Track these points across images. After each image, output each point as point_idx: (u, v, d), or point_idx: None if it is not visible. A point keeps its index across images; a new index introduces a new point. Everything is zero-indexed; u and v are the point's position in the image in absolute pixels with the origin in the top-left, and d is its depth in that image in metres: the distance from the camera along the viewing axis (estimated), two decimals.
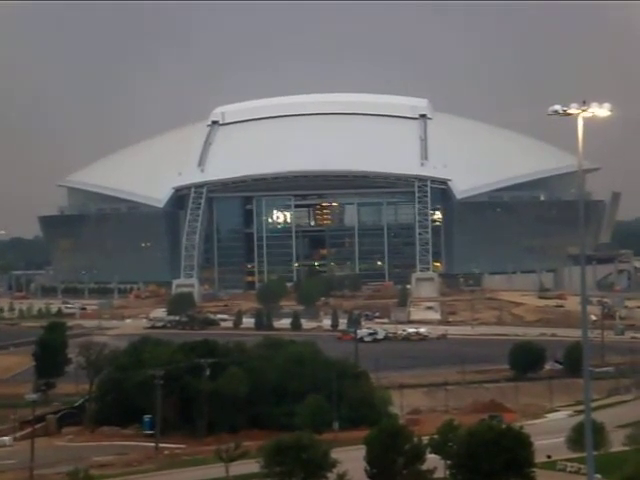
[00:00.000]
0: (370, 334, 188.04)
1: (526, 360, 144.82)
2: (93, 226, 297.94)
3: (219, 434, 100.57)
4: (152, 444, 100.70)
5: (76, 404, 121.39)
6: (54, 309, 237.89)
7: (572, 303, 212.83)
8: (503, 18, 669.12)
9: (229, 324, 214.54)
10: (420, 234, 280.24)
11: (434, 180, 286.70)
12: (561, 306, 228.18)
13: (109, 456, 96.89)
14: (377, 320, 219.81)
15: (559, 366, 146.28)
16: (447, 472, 73.52)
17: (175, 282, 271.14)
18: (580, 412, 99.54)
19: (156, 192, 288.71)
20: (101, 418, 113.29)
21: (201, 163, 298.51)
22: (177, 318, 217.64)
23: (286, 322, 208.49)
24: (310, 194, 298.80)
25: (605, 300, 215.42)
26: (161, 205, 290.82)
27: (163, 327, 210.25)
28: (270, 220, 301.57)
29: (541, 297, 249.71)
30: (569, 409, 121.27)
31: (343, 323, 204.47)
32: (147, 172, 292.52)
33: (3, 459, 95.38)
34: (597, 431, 74.48)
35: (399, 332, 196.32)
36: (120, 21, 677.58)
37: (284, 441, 73.95)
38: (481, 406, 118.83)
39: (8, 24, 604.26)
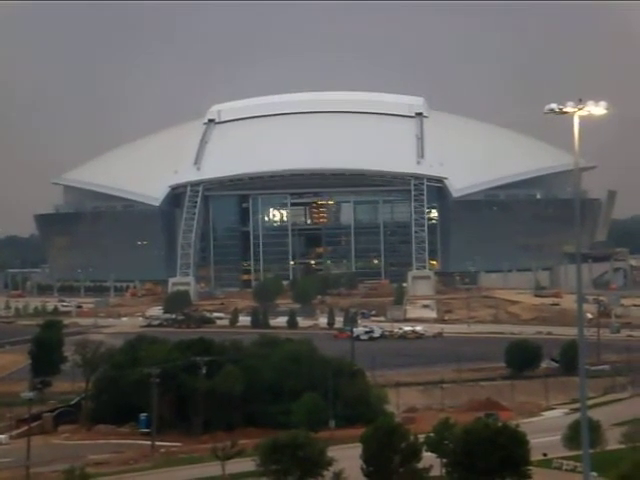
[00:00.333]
0: (366, 332, 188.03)
1: (522, 358, 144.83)
2: (89, 224, 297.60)
3: (215, 432, 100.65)
4: (148, 442, 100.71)
5: (72, 402, 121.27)
6: (50, 307, 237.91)
7: (568, 301, 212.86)
8: (499, 17, 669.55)
9: (225, 322, 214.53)
10: (416, 232, 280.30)
11: (430, 178, 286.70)
12: (557, 304, 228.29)
13: (105, 454, 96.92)
14: (373, 318, 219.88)
15: (555, 364, 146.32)
16: (443, 470, 73.65)
17: (171, 280, 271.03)
18: (576, 410, 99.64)
19: (152, 190, 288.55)
20: (97, 416, 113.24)
21: (197, 161, 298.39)
22: (173, 316, 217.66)
23: (282, 320, 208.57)
24: (306, 192, 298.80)
25: (601, 298, 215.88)
26: (157, 203, 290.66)
27: (159, 325, 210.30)
28: (266, 218, 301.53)
29: (537, 295, 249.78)
30: (565, 407, 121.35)
31: (339, 321, 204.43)
32: (143, 170, 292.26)
33: None
34: (593, 429, 74.55)
35: (395, 330, 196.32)
36: (116, 20, 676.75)
37: (280, 439, 74.00)
38: (477, 404, 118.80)
39: (8, 24, 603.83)
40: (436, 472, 74.11)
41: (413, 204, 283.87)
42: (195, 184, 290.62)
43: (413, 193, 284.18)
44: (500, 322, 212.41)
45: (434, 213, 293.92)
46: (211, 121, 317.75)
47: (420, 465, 72.77)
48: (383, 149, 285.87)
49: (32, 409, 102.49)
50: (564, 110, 56.19)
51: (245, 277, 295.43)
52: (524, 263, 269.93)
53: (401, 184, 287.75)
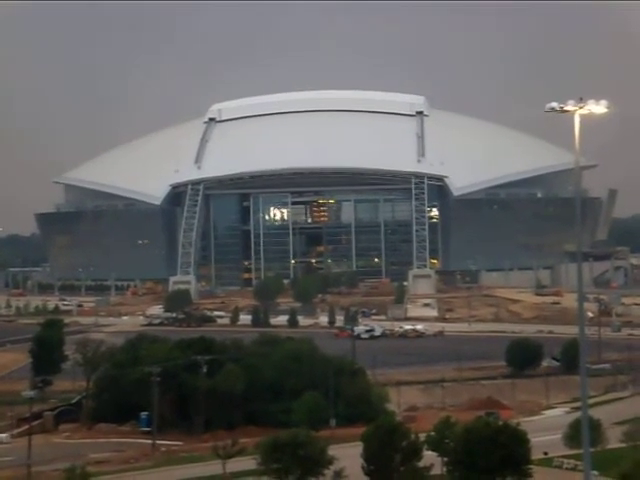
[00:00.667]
0: (367, 331, 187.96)
1: (523, 357, 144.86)
2: (90, 223, 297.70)
3: (216, 431, 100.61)
4: (149, 441, 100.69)
5: (73, 401, 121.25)
6: (51, 306, 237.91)
7: (569, 300, 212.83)
8: (499, 15, 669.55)
9: (226, 321, 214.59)
10: (417, 231, 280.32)
11: (431, 177, 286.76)
12: (558, 303, 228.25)
13: (106, 453, 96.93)
14: (374, 317, 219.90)
15: (556, 363, 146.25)
16: (444, 469, 73.64)
17: (172, 279, 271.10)
18: (577, 409, 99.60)
19: (153, 189, 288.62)
20: (98, 415, 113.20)
21: (198, 160, 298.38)
22: (174, 315, 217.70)
23: (283, 319, 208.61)
24: (307, 191, 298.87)
25: (602, 297, 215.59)
26: (158, 202, 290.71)
27: (160, 324, 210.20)
28: (267, 217, 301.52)
29: (538, 294, 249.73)
30: (566, 406, 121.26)
31: (340, 320, 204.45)
32: (144, 169, 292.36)
33: (0, 456, 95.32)
34: (594, 428, 74.51)
35: (396, 329, 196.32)
36: (116, 20, 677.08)
37: (281, 438, 74.00)
38: (478, 403, 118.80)
39: (8, 24, 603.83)
40: (437, 471, 74.10)
41: (414, 203, 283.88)
42: (196, 183, 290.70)
43: (414, 192, 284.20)
44: (501, 321, 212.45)
45: (435, 212, 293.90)
46: (212, 120, 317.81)
47: (421, 464, 72.76)
48: (384, 148, 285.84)
49: (33, 408, 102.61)
50: (565, 109, 56.17)
51: (246, 276, 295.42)
52: (525, 262, 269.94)
53: (402, 183, 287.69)
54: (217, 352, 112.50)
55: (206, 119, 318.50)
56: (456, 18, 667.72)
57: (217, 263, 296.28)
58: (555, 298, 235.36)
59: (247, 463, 77.27)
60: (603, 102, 56.20)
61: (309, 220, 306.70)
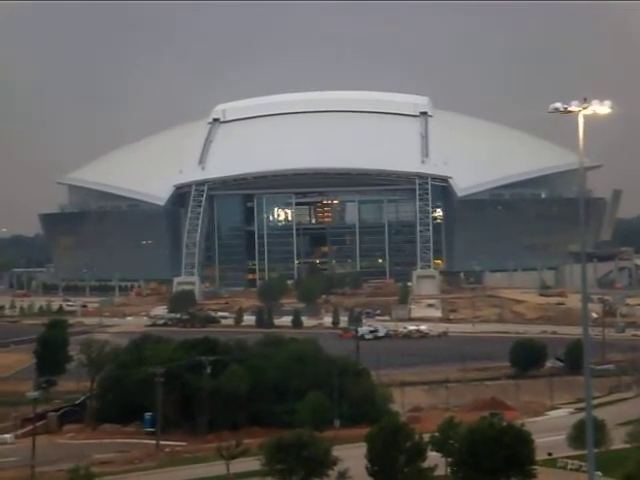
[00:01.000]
0: (371, 332, 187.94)
1: (527, 358, 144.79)
2: (94, 224, 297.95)
3: (220, 432, 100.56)
4: (153, 442, 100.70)
5: (77, 402, 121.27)
6: (55, 307, 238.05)
7: (573, 300, 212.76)
8: (505, 16, 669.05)
9: (230, 322, 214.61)
10: (421, 232, 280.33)
11: (435, 178, 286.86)
12: (562, 304, 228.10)
13: (110, 454, 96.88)
14: (378, 318, 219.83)
15: (560, 364, 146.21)
16: (448, 469, 73.58)
17: (176, 280, 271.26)
18: (581, 410, 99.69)
19: (157, 190, 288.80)
20: (102, 416, 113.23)
21: (202, 161, 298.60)
22: (178, 316, 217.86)
23: (287, 320, 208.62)
24: (311, 192, 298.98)
25: (606, 298, 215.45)
26: (162, 203, 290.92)
27: (164, 325, 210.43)
28: (271, 218, 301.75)
29: (542, 295, 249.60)
30: (570, 407, 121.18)
31: (344, 321, 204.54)
32: (148, 170, 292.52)
33: (4, 457, 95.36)
34: (598, 429, 74.46)
35: (400, 330, 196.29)
36: (120, 20, 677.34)
37: (285, 439, 73.94)
38: (482, 403, 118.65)
39: (8, 24, 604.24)
40: (441, 471, 74.06)
41: (418, 203, 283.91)
42: (200, 183, 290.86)
43: (418, 192, 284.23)
44: (505, 321, 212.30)
45: (439, 212, 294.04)
46: (216, 120, 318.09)
47: (425, 464, 72.71)
48: (388, 148, 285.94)
49: (37, 408, 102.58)
50: (569, 109, 56.09)
51: (250, 276, 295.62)
52: (529, 262, 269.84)
53: (406, 183, 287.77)
54: (221, 353, 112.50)
55: (210, 119, 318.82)
56: (460, 18, 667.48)
57: (221, 264, 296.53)
58: (559, 299, 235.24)
59: (251, 464, 77.25)
60: (607, 102, 56.10)
61: (313, 221, 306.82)
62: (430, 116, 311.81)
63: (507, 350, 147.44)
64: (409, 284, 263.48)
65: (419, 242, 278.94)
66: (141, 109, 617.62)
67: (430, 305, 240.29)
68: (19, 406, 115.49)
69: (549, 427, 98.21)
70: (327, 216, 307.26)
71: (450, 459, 73.12)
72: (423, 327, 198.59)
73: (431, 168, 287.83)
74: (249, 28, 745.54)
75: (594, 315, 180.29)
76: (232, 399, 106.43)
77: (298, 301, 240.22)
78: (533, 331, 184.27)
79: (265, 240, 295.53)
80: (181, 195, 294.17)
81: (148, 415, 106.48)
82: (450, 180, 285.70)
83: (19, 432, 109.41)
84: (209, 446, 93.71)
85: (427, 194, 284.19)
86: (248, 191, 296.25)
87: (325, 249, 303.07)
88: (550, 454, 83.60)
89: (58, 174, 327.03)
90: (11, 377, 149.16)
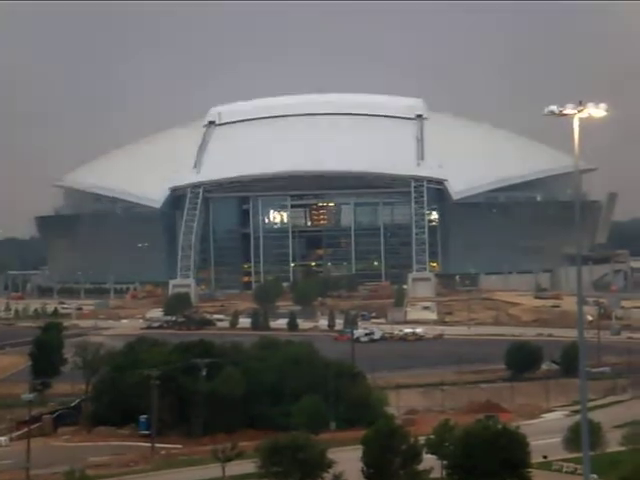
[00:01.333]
0: (367, 334, 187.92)
1: (522, 360, 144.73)
2: (89, 226, 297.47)
3: (215, 434, 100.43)
4: (148, 444, 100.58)
5: (72, 404, 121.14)
6: (50, 309, 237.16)
7: (568, 303, 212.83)
8: (499, 18, 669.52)
9: (225, 324, 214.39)
10: (416, 234, 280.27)
11: (430, 180, 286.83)
12: (557, 306, 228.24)
13: (105, 456, 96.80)
14: (374, 320, 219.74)
15: (555, 366, 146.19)
16: (443, 472, 73.64)
17: (171, 282, 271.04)
18: (576, 412, 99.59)
19: (152, 192, 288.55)
20: (97, 418, 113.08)
21: (197, 163, 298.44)
22: (173, 318, 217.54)
23: (283, 322, 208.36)
24: (306, 194, 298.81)
25: (601, 300, 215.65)
26: (157, 205, 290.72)
27: (159, 327, 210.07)
28: (266, 220, 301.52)
29: (537, 297, 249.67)
30: (565, 409, 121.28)
31: (340, 323, 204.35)
32: (143, 172, 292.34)
33: None
34: (593, 431, 74.53)
35: (396, 332, 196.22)
36: (116, 22, 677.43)
37: (281, 441, 74.00)
38: (477, 406, 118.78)
39: (8, 24, 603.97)
40: (436, 474, 74.13)
41: (413, 206, 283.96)
42: (195, 186, 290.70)
43: (413, 195, 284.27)
44: (500, 324, 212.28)
45: (434, 215, 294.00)
46: (211, 123, 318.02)
47: (420, 467, 72.78)
48: (383, 151, 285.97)
49: (32, 411, 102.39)
50: (564, 112, 56.13)
51: (245, 279, 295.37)
52: (524, 265, 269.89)
53: (401, 186, 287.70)
54: (217, 355, 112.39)
55: (206, 122, 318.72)
56: (455, 19, 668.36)
57: (217, 266, 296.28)
58: (555, 301, 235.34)
59: (247, 466, 77.26)
60: (602, 105, 56.14)
61: (309, 223, 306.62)
62: (425, 119, 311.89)
63: (502, 353, 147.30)
64: (405, 287, 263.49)
65: (414, 245, 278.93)
66: (136, 112, 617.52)
67: (426, 308, 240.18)
68: (14, 408, 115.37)
69: (544, 430, 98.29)
70: (323, 219, 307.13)
71: (445, 462, 73.21)
72: (419, 330, 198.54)
73: (426, 171, 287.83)
74: (245, 30, 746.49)
75: (589, 318, 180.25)
76: (228, 402, 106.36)
77: (294, 304, 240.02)
78: (529, 334, 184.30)
79: (261, 242, 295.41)
80: (177, 197, 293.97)
81: (143, 418, 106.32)
82: (445, 183, 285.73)
83: (14, 435, 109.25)
84: (205, 449, 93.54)
85: (422, 197, 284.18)
86: (244, 193, 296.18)
87: (321, 252, 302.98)
88: (545, 457, 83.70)
89: (53, 176, 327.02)
90: (6, 379, 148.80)
